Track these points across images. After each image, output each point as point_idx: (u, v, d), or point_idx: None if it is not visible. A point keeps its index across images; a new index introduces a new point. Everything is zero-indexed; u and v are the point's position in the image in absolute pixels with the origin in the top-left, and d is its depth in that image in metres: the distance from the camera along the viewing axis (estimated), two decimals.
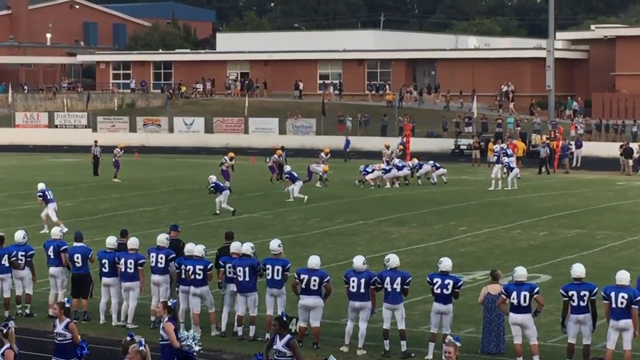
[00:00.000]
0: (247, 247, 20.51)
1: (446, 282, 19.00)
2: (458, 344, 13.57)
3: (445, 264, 19.21)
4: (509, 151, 51.57)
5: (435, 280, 19.07)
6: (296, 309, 20.08)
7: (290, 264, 20.35)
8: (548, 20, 76.55)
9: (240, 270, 20.21)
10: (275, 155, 49.28)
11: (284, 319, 15.39)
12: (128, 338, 14.27)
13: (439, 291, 19.01)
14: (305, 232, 33.97)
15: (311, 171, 47.75)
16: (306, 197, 41.03)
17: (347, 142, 65.05)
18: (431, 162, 49.78)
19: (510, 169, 47.00)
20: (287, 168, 43.17)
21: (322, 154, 50.63)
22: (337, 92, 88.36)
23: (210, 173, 41.94)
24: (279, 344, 14.95)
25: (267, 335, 18.95)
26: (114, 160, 50.20)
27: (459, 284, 19.14)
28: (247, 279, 20.18)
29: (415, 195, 44.26)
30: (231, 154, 46.20)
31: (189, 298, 20.68)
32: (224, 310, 20.70)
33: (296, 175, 42.19)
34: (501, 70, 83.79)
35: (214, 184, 38.51)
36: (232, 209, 37.42)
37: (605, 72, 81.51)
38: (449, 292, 18.97)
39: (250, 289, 20.23)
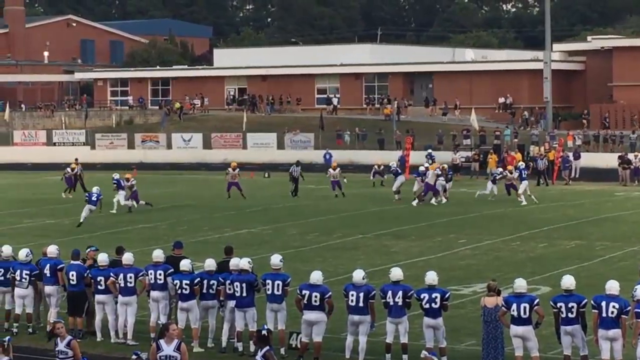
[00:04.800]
0: (244, 262, 20.50)
1: (433, 295, 18.99)
2: (434, 359, 14.06)
3: (430, 277, 19.19)
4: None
5: (422, 295, 19.04)
6: (297, 324, 20.05)
7: (291, 279, 20.34)
8: (545, 32, 76.76)
9: (237, 286, 20.20)
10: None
11: (263, 332, 15.36)
12: (134, 357, 14.29)
13: (427, 306, 19.00)
14: (305, 246, 33.93)
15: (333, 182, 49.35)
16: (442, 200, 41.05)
17: (329, 155, 65.66)
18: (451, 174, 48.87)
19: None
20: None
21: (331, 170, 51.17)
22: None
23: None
24: (258, 356, 15.07)
25: None
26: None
27: (447, 295, 19.13)
28: (244, 294, 20.17)
29: (413, 209, 44.19)
30: (234, 163, 46.76)
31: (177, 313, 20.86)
32: (224, 326, 20.65)
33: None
34: (499, 82, 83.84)
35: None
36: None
37: (602, 83, 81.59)
38: (437, 305, 18.95)
39: (248, 304, 20.21)
